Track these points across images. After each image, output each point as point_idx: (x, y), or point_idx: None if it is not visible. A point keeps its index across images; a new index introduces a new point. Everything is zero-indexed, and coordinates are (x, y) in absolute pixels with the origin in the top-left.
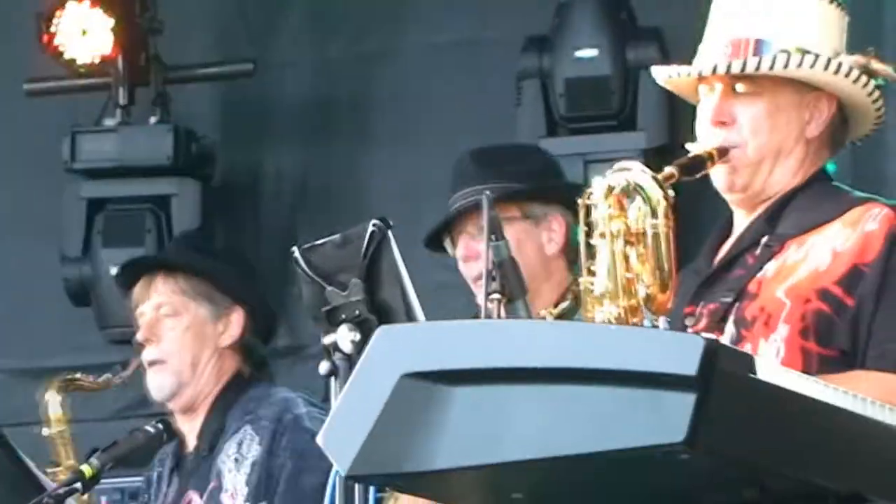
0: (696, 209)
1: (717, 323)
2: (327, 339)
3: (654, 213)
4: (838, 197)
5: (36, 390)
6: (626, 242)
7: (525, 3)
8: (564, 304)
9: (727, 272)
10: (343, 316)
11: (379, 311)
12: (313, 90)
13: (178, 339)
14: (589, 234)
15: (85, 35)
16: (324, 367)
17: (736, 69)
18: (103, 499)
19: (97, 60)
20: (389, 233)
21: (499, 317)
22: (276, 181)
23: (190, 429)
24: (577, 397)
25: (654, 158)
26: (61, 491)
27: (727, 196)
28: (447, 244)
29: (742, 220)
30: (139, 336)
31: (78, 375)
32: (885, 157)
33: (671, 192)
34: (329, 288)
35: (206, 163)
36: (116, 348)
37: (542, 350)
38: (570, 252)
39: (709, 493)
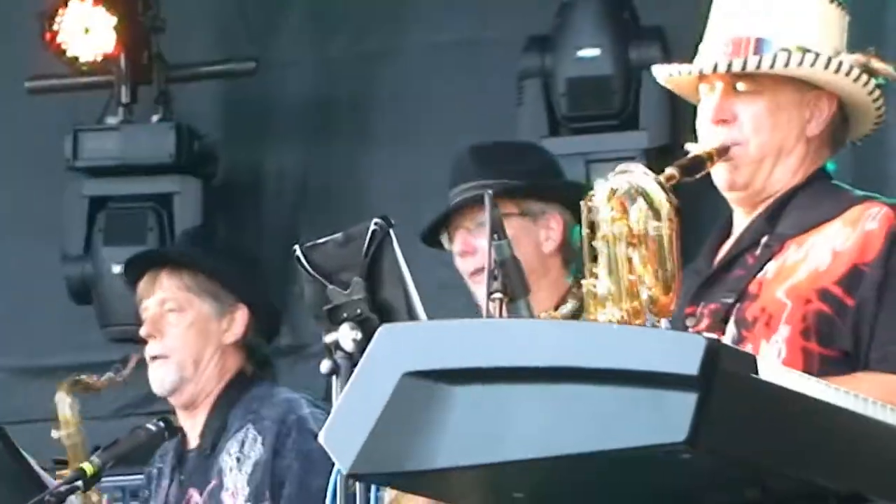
0: (696, 209)
1: (719, 324)
2: (329, 338)
3: (657, 216)
4: (838, 195)
5: (37, 388)
6: (629, 245)
7: (525, 2)
8: (567, 308)
9: (727, 272)
10: (345, 314)
11: (380, 310)
12: (315, 89)
13: (182, 335)
14: (591, 237)
15: (87, 33)
16: (325, 365)
17: (737, 67)
18: (105, 497)
19: (99, 58)
20: (391, 231)
21: (500, 316)
22: (277, 180)
23: (191, 426)
24: (579, 397)
25: (655, 158)
26: (63, 489)
27: (727, 195)
28: (444, 240)
29: (742, 220)
30: (143, 331)
31: (83, 377)
32: (887, 157)
33: (674, 197)
34: (331, 286)
35: (207, 161)
36: (117, 347)
37: (544, 349)
38: (567, 251)
39: (710, 492)
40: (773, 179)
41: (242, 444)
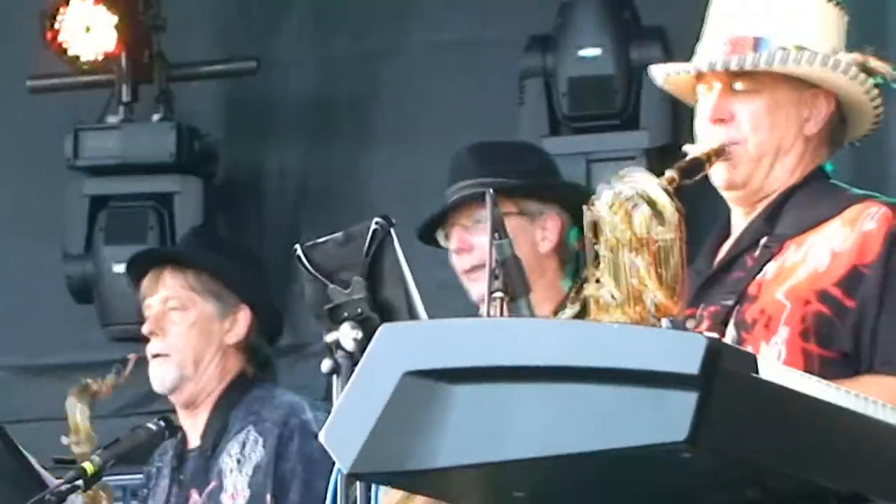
0: (696, 209)
1: (719, 326)
2: (329, 337)
3: (661, 221)
4: (836, 194)
5: (38, 387)
6: (633, 250)
7: (526, 2)
8: (566, 313)
9: (727, 274)
10: (345, 314)
11: (381, 309)
12: (316, 88)
13: (184, 334)
14: (593, 241)
15: (88, 32)
16: (326, 364)
17: (734, 66)
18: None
19: (100, 57)
20: (392, 231)
21: (501, 315)
22: (278, 179)
23: (192, 425)
24: (579, 396)
25: (656, 158)
26: (63, 488)
27: (726, 194)
28: (440, 237)
29: (740, 220)
30: (145, 328)
31: (89, 381)
32: (887, 157)
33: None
34: (331, 286)
35: (208, 160)
36: (118, 346)
37: (545, 348)
38: (564, 252)
39: (711, 492)
40: (771, 178)
41: (243, 445)
